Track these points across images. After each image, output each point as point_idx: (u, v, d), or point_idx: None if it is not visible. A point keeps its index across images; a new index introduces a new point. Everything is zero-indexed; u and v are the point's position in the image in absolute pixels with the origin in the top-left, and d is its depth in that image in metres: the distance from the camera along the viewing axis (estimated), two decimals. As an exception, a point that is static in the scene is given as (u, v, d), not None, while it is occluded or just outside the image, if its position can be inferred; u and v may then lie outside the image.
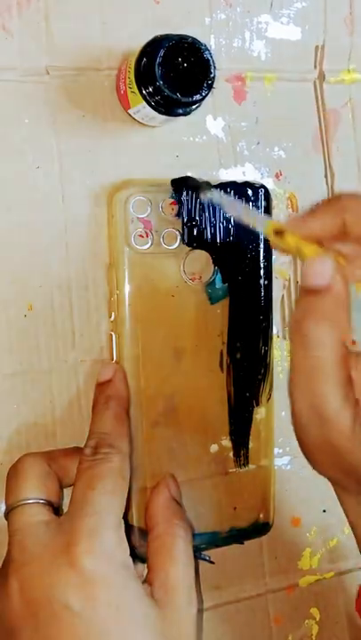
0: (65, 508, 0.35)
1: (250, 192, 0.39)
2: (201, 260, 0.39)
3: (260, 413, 0.41)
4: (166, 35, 0.34)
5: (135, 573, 0.31)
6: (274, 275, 0.41)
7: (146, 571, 0.34)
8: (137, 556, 0.35)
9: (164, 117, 0.37)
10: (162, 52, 0.34)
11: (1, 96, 0.37)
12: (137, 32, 0.38)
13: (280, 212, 0.43)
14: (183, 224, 0.38)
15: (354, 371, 0.29)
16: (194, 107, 0.36)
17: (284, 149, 0.43)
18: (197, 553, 0.39)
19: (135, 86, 0.36)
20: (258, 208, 0.40)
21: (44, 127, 0.38)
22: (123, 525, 0.32)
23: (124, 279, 0.37)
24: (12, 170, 0.37)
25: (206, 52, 0.34)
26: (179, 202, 0.38)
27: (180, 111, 0.36)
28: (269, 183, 0.42)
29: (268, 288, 0.40)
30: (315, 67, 0.44)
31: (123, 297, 0.37)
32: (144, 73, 0.35)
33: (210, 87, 0.35)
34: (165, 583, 0.32)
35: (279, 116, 0.43)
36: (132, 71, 0.35)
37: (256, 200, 0.39)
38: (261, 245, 0.40)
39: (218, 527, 0.40)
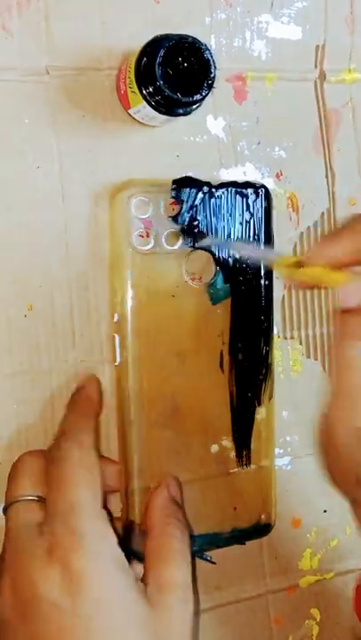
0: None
1: (250, 192, 0.39)
2: (202, 261, 0.39)
3: (260, 413, 0.41)
4: (166, 34, 0.34)
5: (126, 568, 0.32)
6: (275, 275, 0.41)
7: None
8: (138, 556, 0.35)
9: (164, 117, 0.37)
10: (162, 52, 0.34)
11: (1, 96, 0.37)
12: (137, 32, 0.38)
13: (280, 212, 0.43)
14: (185, 224, 0.38)
15: None
16: (194, 106, 0.36)
17: (284, 149, 0.43)
18: (199, 553, 0.39)
19: (135, 86, 0.36)
20: (260, 208, 0.39)
21: (44, 127, 0.38)
22: (104, 516, 0.32)
23: (127, 280, 0.37)
24: (12, 170, 0.37)
25: (207, 52, 0.34)
26: (181, 202, 0.38)
27: (181, 111, 0.36)
28: (270, 183, 0.42)
29: (269, 288, 0.40)
30: (315, 66, 0.44)
31: (126, 298, 0.37)
32: (144, 73, 0.35)
33: (210, 87, 0.34)
34: (159, 583, 0.32)
35: (280, 115, 0.43)
36: (133, 71, 0.35)
37: (256, 200, 0.39)
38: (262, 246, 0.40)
39: (219, 528, 0.40)
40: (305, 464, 0.45)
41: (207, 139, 0.41)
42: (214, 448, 0.40)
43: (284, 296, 0.44)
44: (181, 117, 0.37)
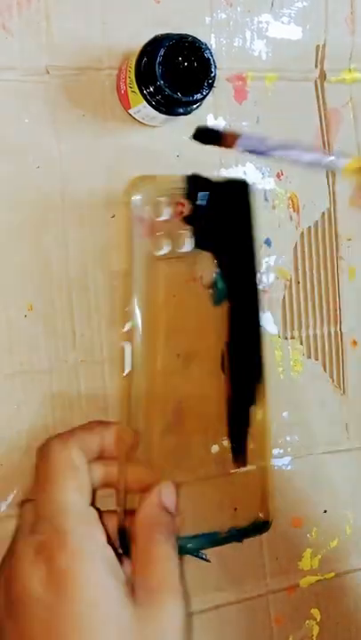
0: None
1: (231, 188, 0.39)
2: (205, 262, 0.39)
3: (257, 414, 0.41)
4: (167, 34, 0.34)
5: (115, 568, 0.32)
6: (275, 275, 0.40)
7: None
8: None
9: (164, 117, 0.37)
10: (162, 52, 0.33)
11: (1, 96, 0.37)
12: (137, 32, 0.38)
13: (281, 211, 0.43)
14: (192, 225, 0.37)
15: None
16: (194, 106, 0.36)
17: (284, 149, 0.43)
18: (195, 552, 0.39)
19: (136, 86, 0.35)
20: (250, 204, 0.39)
21: (44, 127, 0.38)
22: (91, 515, 0.33)
23: (141, 287, 0.36)
24: (12, 170, 0.37)
25: (207, 52, 0.34)
26: (193, 202, 0.37)
27: (181, 110, 0.36)
28: (271, 183, 0.42)
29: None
30: (316, 66, 0.44)
31: (140, 306, 0.36)
32: (145, 72, 0.35)
33: (210, 86, 0.34)
34: (145, 586, 0.32)
35: (280, 115, 0.43)
36: (133, 71, 0.35)
37: (240, 196, 0.39)
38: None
39: (218, 527, 0.40)
40: (305, 464, 0.45)
41: (207, 138, 0.41)
42: (214, 448, 0.40)
43: (284, 296, 0.44)
44: (182, 117, 0.37)
